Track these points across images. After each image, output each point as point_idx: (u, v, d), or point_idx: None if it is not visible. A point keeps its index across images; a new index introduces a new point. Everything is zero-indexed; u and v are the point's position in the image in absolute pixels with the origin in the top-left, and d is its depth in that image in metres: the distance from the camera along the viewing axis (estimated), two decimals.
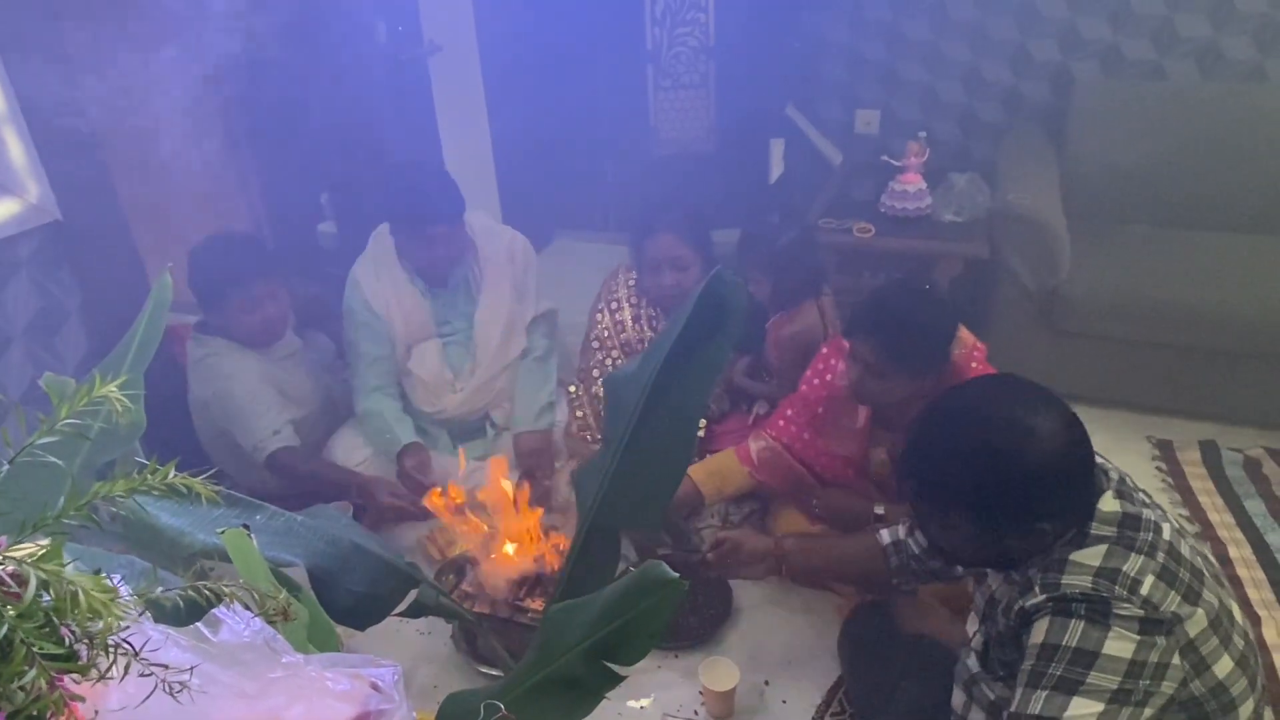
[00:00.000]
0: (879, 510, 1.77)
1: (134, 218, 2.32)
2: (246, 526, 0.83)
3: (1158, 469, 2.31)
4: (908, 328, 1.58)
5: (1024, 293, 2.47)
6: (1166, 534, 1.09)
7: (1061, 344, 2.51)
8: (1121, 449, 2.35)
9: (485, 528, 1.80)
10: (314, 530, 1.00)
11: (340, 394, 2.37)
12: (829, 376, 1.88)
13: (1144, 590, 1.03)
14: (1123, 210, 2.75)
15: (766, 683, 1.76)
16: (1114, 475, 1.15)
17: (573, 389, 2.31)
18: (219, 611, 0.64)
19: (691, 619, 1.90)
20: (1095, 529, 1.08)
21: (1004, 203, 2.48)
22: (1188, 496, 2.19)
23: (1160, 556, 1.06)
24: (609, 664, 0.83)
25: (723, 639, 1.86)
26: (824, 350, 1.93)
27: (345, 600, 1.00)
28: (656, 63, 3.50)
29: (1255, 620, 1.80)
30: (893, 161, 2.75)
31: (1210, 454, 2.34)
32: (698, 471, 1.92)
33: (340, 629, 1.83)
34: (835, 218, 2.73)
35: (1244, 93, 2.68)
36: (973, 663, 1.27)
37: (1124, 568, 1.04)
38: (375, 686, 0.69)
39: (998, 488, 1.06)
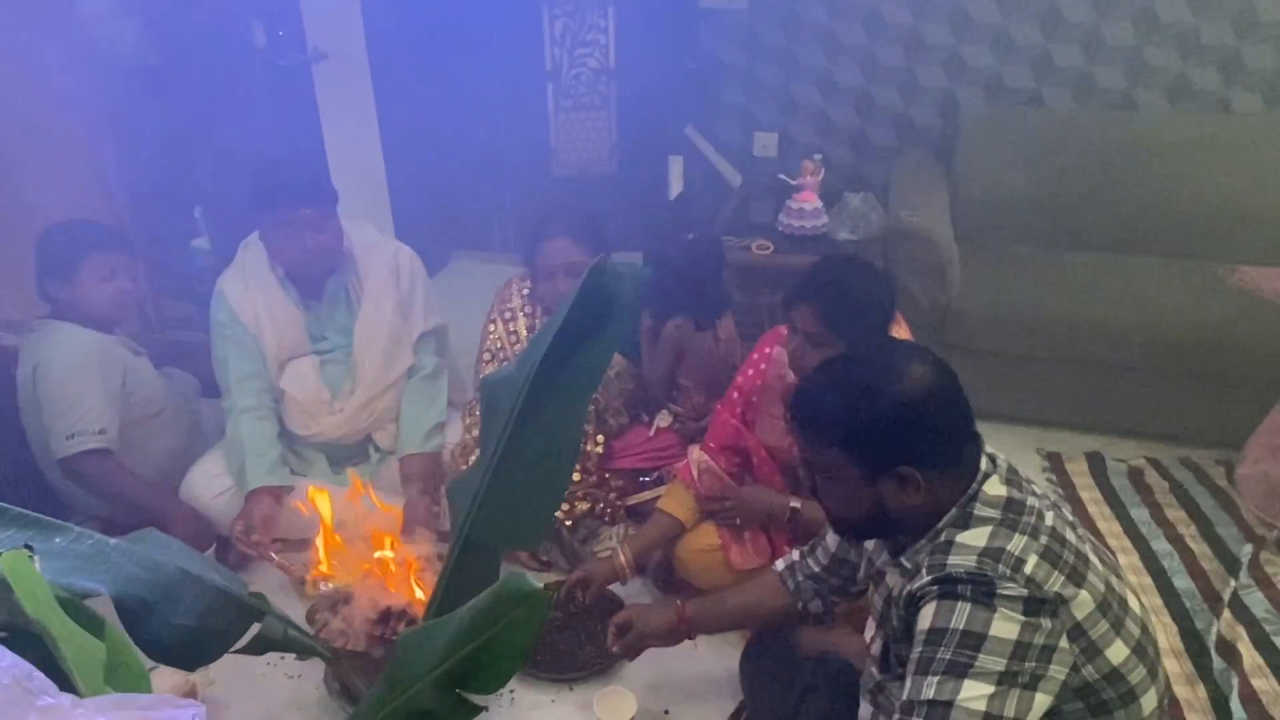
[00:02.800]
0: (795, 504, 1.73)
1: None
2: (29, 547, 0.69)
3: (1049, 480, 2.35)
4: (847, 294, 1.57)
5: (917, 309, 2.49)
6: (1049, 520, 1.10)
7: (954, 359, 2.46)
8: (1013, 461, 2.37)
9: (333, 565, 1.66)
10: (130, 556, 0.86)
11: (214, 419, 2.19)
12: (763, 366, 1.86)
13: (1027, 569, 1.03)
14: (1009, 231, 2.83)
15: (666, 712, 1.68)
16: (1003, 464, 1.16)
17: (477, 410, 2.18)
18: None
19: (588, 649, 1.80)
20: (979, 510, 1.09)
21: (896, 220, 2.51)
22: (1077, 506, 2.23)
23: (1043, 538, 1.06)
24: (464, 693, 0.73)
25: (620, 669, 1.77)
26: (760, 341, 1.90)
27: (168, 635, 0.86)
28: (557, 83, 3.45)
29: None
30: (789, 180, 2.76)
31: (1096, 465, 2.39)
32: (668, 504, 1.86)
33: (194, 676, 1.65)
34: (735, 235, 2.71)
35: (1116, 120, 2.81)
36: (875, 670, 1.22)
37: (1008, 547, 1.05)
38: None
39: (864, 420, 1.08)
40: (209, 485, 2.05)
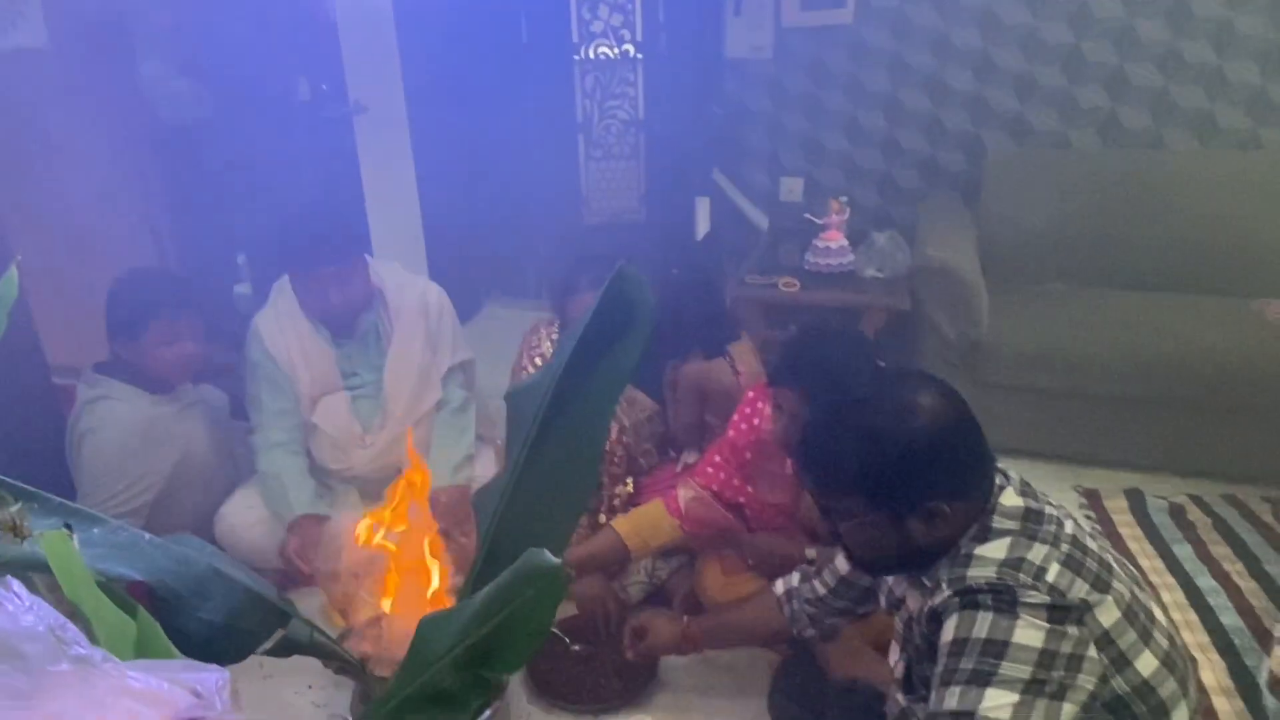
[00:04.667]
0: (810, 554, 1.70)
1: (31, 281, 2.19)
2: (69, 526, 0.72)
3: (1086, 517, 2.29)
4: (829, 372, 1.52)
5: (946, 344, 2.49)
6: (1069, 528, 1.08)
7: (986, 396, 2.51)
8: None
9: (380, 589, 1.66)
10: (163, 549, 0.88)
11: (241, 451, 2.23)
12: (756, 421, 1.82)
13: (1049, 577, 1.01)
14: (1037, 269, 2.83)
15: None
16: (1015, 477, 1.14)
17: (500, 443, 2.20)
18: None
19: (615, 681, 1.77)
20: (998, 523, 1.07)
21: (924, 257, 2.52)
22: (1117, 543, 2.17)
23: (1064, 546, 1.04)
24: (483, 673, 0.73)
25: (648, 701, 1.74)
26: (749, 395, 1.88)
27: (196, 629, 0.88)
28: (588, 134, 3.55)
29: (1192, 663, 1.75)
30: (815, 220, 2.79)
31: (1136, 502, 2.34)
32: (622, 525, 1.81)
33: None
34: (761, 274, 2.74)
35: (1144, 159, 2.82)
36: (900, 695, 1.20)
37: (1028, 556, 1.03)
38: (195, 692, 0.58)
39: (886, 464, 1.05)
40: (243, 517, 2.08)
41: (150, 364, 1.94)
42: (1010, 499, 1.09)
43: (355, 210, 3.09)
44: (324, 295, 2.00)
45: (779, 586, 1.50)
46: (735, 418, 1.86)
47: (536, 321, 2.25)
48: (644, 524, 1.82)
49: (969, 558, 1.05)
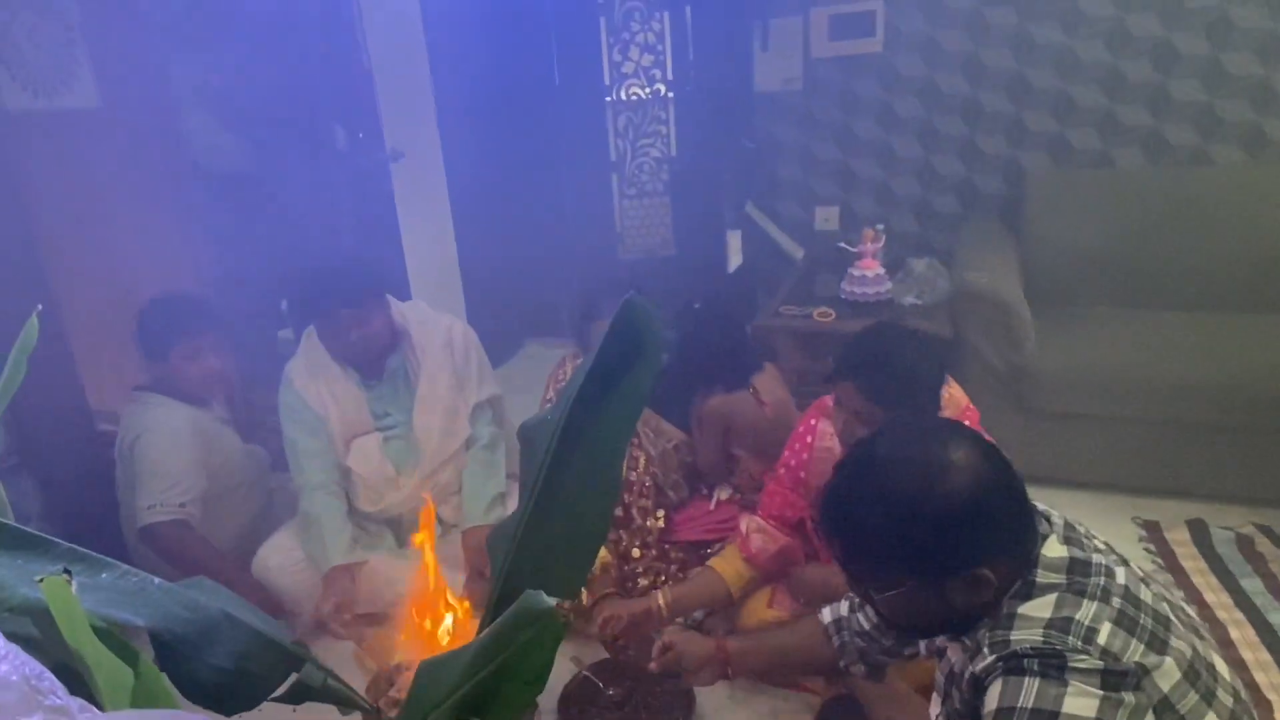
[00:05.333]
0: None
1: (72, 318, 2.27)
2: (68, 571, 0.71)
3: (1146, 550, 2.17)
4: (893, 368, 1.49)
5: (991, 371, 2.41)
6: (1121, 578, 0.98)
7: (1035, 424, 2.42)
8: (1108, 531, 2.19)
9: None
10: (172, 595, 0.87)
11: (286, 495, 2.26)
12: (810, 439, 1.80)
13: (1101, 639, 0.91)
14: (1083, 292, 2.74)
15: None
16: (1058, 521, 1.04)
17: None
18: None
19: None
20: (1042, 577, 0.97)
21: (964, 282, 2.46)
22: (1180, 578, 2.05)
23: (1116, 601, 0.95)
24: None
25: None
26: (808, 413, 1.85)
27: (204, 676, 0.86)
28: (621, 172, 3.58)
29: (1264, 705, 1.63)
30: (849, 248, 2.75)
31: (1199, 533, 2.21)
32: (722, 565, 1.79)
33: None
34: (797, 305, 2.70)
35: (1190, 176, 2.72)
36: None
37: (1077, 616, 0.93)
38: None
39: (923, 533, 0.95)
40: (280, 559, 2.09)
41: (180, 380, 2.07)
42: (1053, 549, 0.99)
43: (392, 254, 3.15)
44: (345, 337, 2.03)
45: (826, 615, 1.40)
46: (791, 439, 1.83)
47: (563, 355, 2.25)
48: (737, 563, 1.79)
49: (1012, 617, 0.96)
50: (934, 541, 0.96)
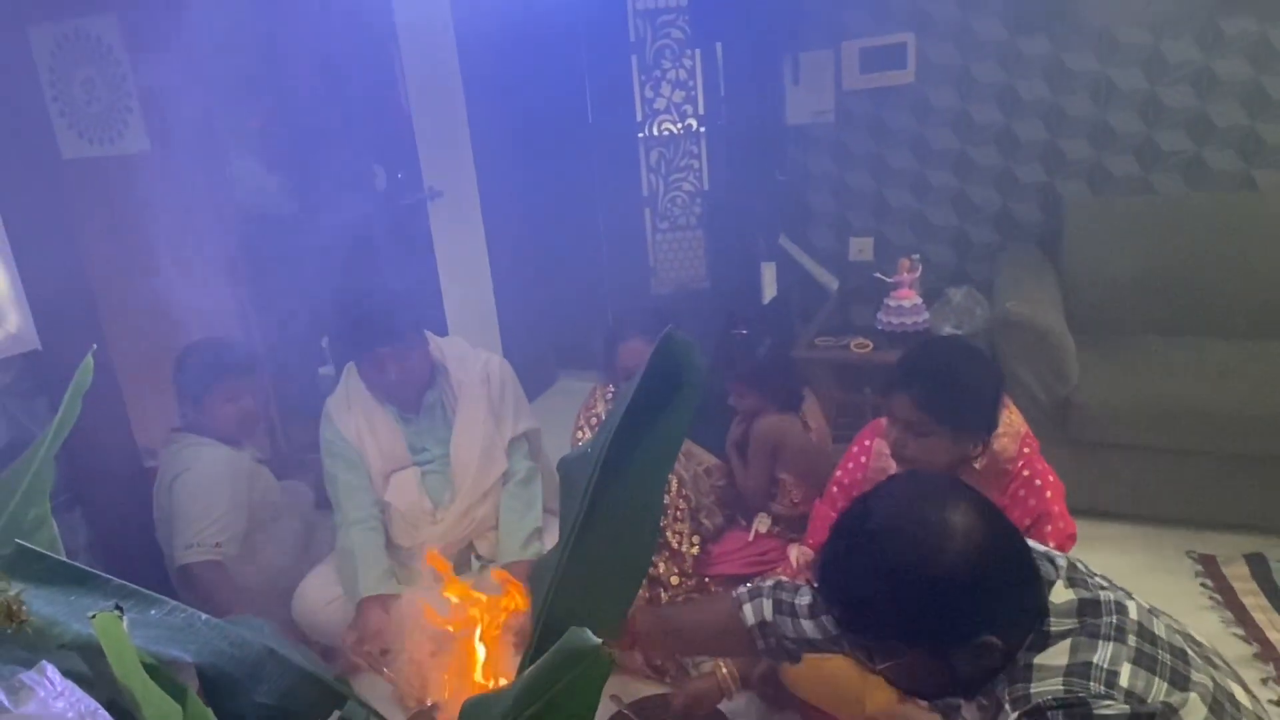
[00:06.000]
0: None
1: (120, 357, 2.33)
2: (120, 608, 0.72)
3: (1203, 585, 2.10)
4: (948, 380, 1.49)
5: (1034, 402, 2.36)
6: (1133, 613, 0.95)
7: (1082, 456, 2.37)
8: (1161, 567, 2.16)
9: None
10: (219, 631, 0.88)
11: (326, 531, 2.29)
12: (864, 459, 1.78)
13: (1123, 681, 0.88)
14: (1125, 320, 2.69)
15: None
16: (1062, 563, 1.01)
17: None
18: (27, 676, 0.53)
19: None
20: (1054, 625, 0.94)
21: (1005, 311, 2.43)
22: (1240, 614, 1.98)
23: (1131, 640, 0.91)
24: None
25: None
26: (861, 434, 1.83)
27: (252, 713, 0.86)
28: (654, 207, 3.61)
29: None
30: (885, 279, 2.74)
31: (1259, 567, 2.13)
32: None
33: None
34: (832, 336, 2.68)
35: (1234, 201, 2.68)
36: None
37: (1094, 659, 0.90)
38: None
39: (922, 606, 0.92)
40: (319, 594, 2.10)
41: (215, 422, 2.11)
42: (1060, 594, 0.96)
43: (430, 290, 3.19)
44: (384, 373, 2.06)
45: (749, 617, 1.29)
46: (845, 459, 1.82)
47: (595, 386, 2.25)
48: None
49: (1029, 669, 0.93)
50: (935, 615, 0.93)
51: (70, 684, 0.55)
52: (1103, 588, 0.99)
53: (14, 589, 0.51)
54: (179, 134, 2.78)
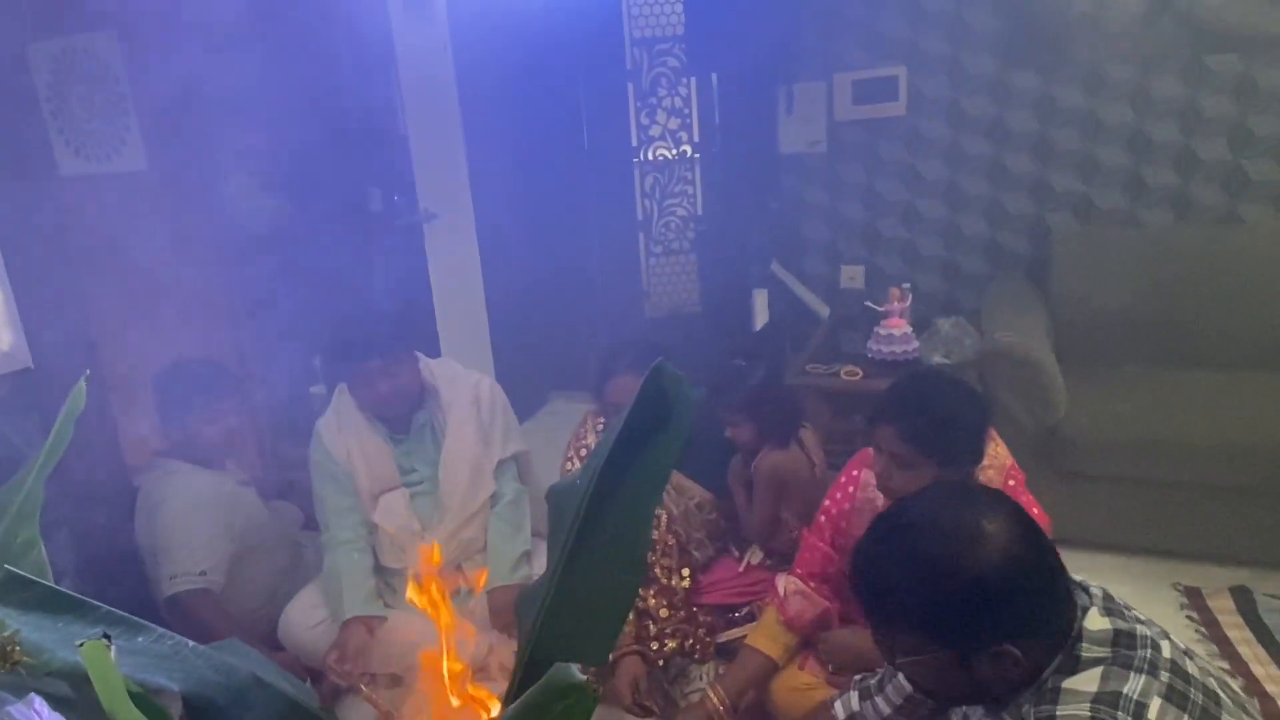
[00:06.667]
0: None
1: (111, 374, 2.33)
2: (108, 636, 0.73)
3: (1188, 618, 2.11)
4: (934, 412, 1.49)
5: (1022, 432, 2.38)
6: (1167, 651, 0.96)
7: (1070, 487, 2.39)
8: (1147, 598, 2.16)
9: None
10: (205, 658, 0.88)
11: (315, 552, 2.28)
12: (851, 489, 1.79)
13: (1151, 714, 0.89)
14: (1114, 350, 2.72)
15: None
16: (1097, 592, 1.02)
17: None
18: (16, 710, 0.53)
19: None
20: (1086, 650, 0.95)
21: (993, 341, 2.45)
22: (1225, 648, 1.99)
23: (1164, 675, 0.92)
24: None
25: None
26: (850, 463, 1.84)
27: None
28: (648, 231, 3.64)
29: None
30: (875, 307, 2.76)
31: (1244, 601, 2.15)
32: (759, 640, 1.77)
33: None
34: (823, 363, 2.70)
35: (1219, 235, 2.71)
36: None
37: (1125, 690, 0.91)
38: None
39: (946, 604, 0.95)
40: (306, 617, 2.09)
41: (199, 443, 2.10)
42: (1095, 621, 0.97)
43: (424, 311, 3.20)
44: (374, 388, 2.06)
45: (839, 711, 1.38)
46: (833, 488, 1.83)
47: (586, 413, 2.26)
48: (774, 631, 1.77)
49: (1057, 692, 0.94)
50: (957, 614, 0.95)
51: (57, 715, 0.55)
52: (1140, 621, 1.00)
53: (8, 629, 0.51)
54: (176, 153, 2.80)
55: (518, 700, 0.74)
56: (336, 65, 2.95)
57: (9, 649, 0.51)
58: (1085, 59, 2.82)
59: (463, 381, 2.22)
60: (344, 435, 2.14)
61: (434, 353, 2.73)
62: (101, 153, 2.86)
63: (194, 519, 2.01)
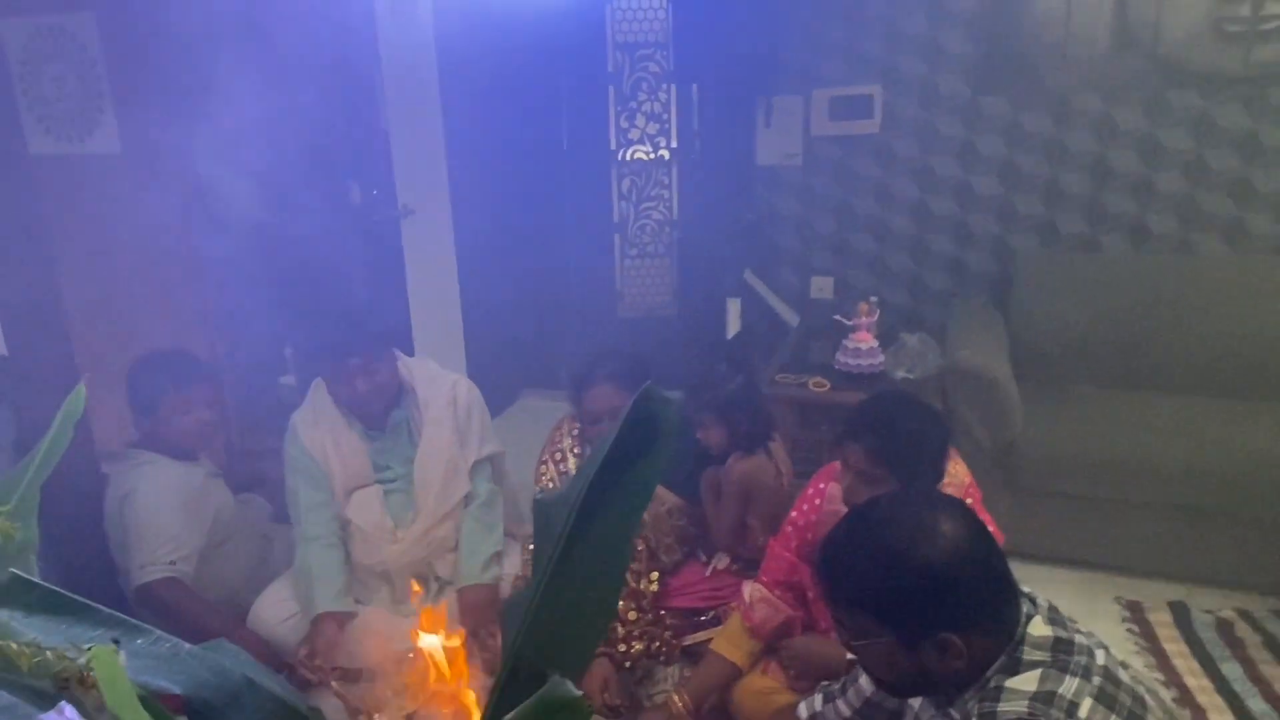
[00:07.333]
0: (852, 656, 1.68)
1: (85, 360, 2.31)
2: (116, 641, 0.75)
3: (1129, 631, 2.22)
4: (898, 431, 1.57)
5: (979, 447, 2.47)
6: (1101, 659, 1.06)
7: (1022, 502, 2.49)
8: (1091, 610, 2.27)
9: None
10: (202, 660, 0.91)
11: (284, 545, 2.29)
12: (818, 501, 1.85)
13: (1082, 713, 0.98)
14: (1070, 371, 2.83)
15: None
16: (1043, 604, 1.12)
17: (532, 546, 2.21)
18: (46, 717, 0.56)
19: None
20: (1028, 654, 1.05)
21: (955, 360, 2.54)
22: (1162, 660, 2.10)
23: (1096, 679, 1.02)
24: None
25: None
26: (816, 476, 1.90)
27: None
28: (623, 233, 3.68)
29: None
30: (845, 321, 2.84)
31: (1181, 615, 2.26)
32: (722, 645, 1.83)
33: None
34: (792, 373, 2.77)
35: (1172, 264, 2.83)
36: None
37: (1060, 690, 1.01)
38: None
39: (895, 588, 1.06)
40: (275, 610, 2.11)
41: (171, 434, 2.09)
42: (1039, 629, 1.07)
43: (398, 307, 3.21)
44: (352, 385, 2.08)
45: (802, 711, 1.47)
46: (800, 499, 1.89)
47: (562, 418, 2.30)
48: (738, 637, 1.83)
49: (999, 690, 1.04)
50: (908, 601, 1.05)
51: (67, 707, 0.58)
52: (1079, 633, 1.10)
53: (84, 655, 0.54)
54: (151, 138, 2.77)
55: (512, 713, 0.78)
56: (319, 58, 2.93)
57: (86, 675, 0.54)
58: (1054, 88, 2.92)
59: (440, 381, 2.25)
60: (319, 430, 2.16)
61: (407, 347, 2.75)
62: (72, 133, 2.82)
63: (162, 511, 2.01)
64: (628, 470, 1.06)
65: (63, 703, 0.59)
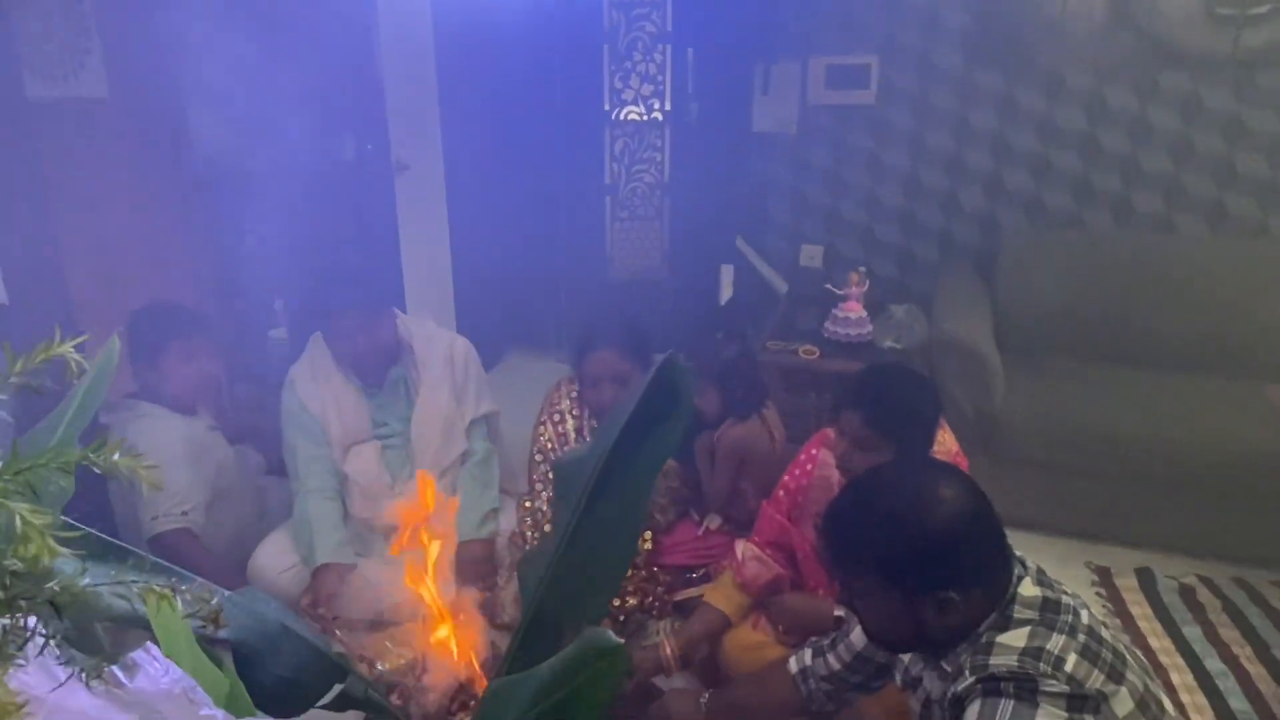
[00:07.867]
0: (838, 613, 1.75)
1: (81, 307, 2.30)
2: (172, 589, 0.79)
3: (1098, 594, 2.33)
4: (893, 401, 1.64)
5: (961, 416, 2.55)
6: (1085, 619, 1.13)
7: (1001, 469, 2.57)
8: (1062, 574, 2.32)
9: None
10: (242, 606, 0.95)
11: (279, 497, 2.31)
12: (810, 466, 1.92)
13: (1068, 667, 1.05)
14: (1052, 345, 2.90)
15: None
16: (1032, 567, 1.19)
17: (527, 504, 2.26)
18: (137, 655, 0.60)
19: None
20: (1018, 613, 1.12)
21: (940, 331, 2.60)
22: (1128, 623, 2.21)
23: (1081, 636, 1.09)
24: None
25: None
26: (810, 442, 1.96)
27: (269, 683, 0.94)
28: (614, 195, 3.68)
29: None
30: (835, 290, 2.89)
31: (1147, 581, 2.38)
32: (716, 597, 1.89)
33: None
34: (782, 340, 2.82)
35: (1155, 243, 2.91)
36: None
37: (1047, 646, 1.07)
38: None
39: (900, 549, 1.11)
40: (275, 561, 2.14)
41: (170, 385, 2.09)
42: (1029, 589, 1.14)
43: (390, 261, 3.21)
44: (352, 341, 2.10)
45: (792, 665, 1.52)
46: (792, 465, 1.95)
47: (560, 378, 2.33)
48: (730, 591, 1.90)
49: (990, 645, 1.10)
50: (909, 558, 1.11)
51: (171, 663, 0.62)
52: (1065, 594, 1.17)
53: (214, 599, 0.57)
54: (141, 81, 2.72)
55: (555, 658, 0.83)
56: (315, 6, 2.89)
57: (219, 614, 0.57)
58: (1047, 64, 2.95)
59: (438, 340, 2.27)
60: (317, 385, 2.17)
61: (398, 303, 2.75)
62: (57, 73, 2.76)
63: (169, 464, 2.01)
64: (648, 434, 1.10)
65: (148, 642, 0.62)
